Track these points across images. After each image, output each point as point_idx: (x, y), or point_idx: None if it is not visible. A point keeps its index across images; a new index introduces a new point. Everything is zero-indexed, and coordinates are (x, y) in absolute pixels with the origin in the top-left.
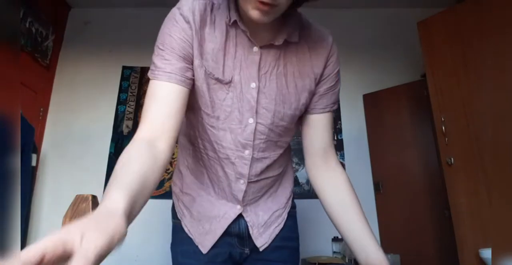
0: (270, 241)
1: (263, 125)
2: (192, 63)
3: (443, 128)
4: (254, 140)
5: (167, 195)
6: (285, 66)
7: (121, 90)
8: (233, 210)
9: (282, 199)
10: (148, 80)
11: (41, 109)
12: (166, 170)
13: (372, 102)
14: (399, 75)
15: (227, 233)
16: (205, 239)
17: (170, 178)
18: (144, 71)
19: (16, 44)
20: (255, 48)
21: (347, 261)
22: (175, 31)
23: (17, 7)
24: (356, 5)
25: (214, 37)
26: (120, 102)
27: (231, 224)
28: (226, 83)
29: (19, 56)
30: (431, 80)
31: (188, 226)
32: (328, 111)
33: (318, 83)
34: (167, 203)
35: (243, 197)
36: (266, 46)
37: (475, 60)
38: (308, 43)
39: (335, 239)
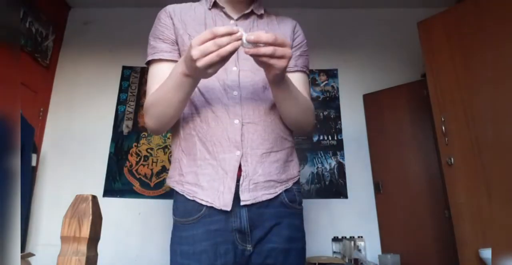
0: (253, 202)
1: (245, 70)
2: (174, 42)
3: (443, 128)
4: (239, 82)
5: (167, 195)
6: None
7: (121, 90)
8: (234, 158)
9: (283, 176)
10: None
11: (41, 109)
12: (166, 170)
13: (372, 102)
14: (399, 75)
15: (227, 229)
16: (224, 199)
17: None
18: (144, 71)
19: (16, 44)
20: (232, 21)
21: (347, 261)
22: (157, 23)
23: (17, 7)
24: (356, 5)
25: (195, 17)
26: (120, 102)
27: (231, 218)
28: None
29: (19, 56)
30: (431, 80)
31: (206, 199)
32: (302, 71)
33: (292, 47)
34: (167, 203)
35: (241, 140)
36: (240, 18)
37: (475, 60)
38: (277, 19)
39: (335, 239)
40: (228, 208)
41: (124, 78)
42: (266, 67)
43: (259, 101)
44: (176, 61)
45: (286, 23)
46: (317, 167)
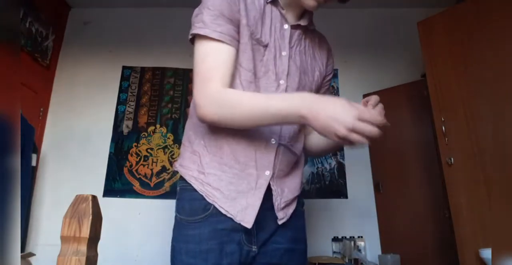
0: (287, 218)
1: (291, 88)
2: (237, 26)
3: (443, 128)
4: None
5: (167, 195)
6: (305, 47)
7: (121, 90)
8: (263, 177)
9: (298, 187)
10: (148, 80)
11: (41, 109)
12: (166, 170)
13: None
14: (399, 75)
15: (233, 229)
16: (245, 214)
17: (170, 178)
18: (144, 71)
19: (16, 44)
20: (286, 25)
21: (347, 261)
22: None
23: (17, 7)
24: (356, 5)
25: (254, 8)
26: (120, 102)
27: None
28: (264, 46)
29: (19, 56)
30: (431, 80)
31: (225, 207)
32: None
33: (324, 76)
34: (167, 203)
35: (274, 161)
36: (294, 26)
37: (475, 60)
38: (319, 36)
39: (335, 239)
40: (249, 226)
41: (124, 78)
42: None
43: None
44: (236, 51)
45: (324, 47)
46: (317, 167)
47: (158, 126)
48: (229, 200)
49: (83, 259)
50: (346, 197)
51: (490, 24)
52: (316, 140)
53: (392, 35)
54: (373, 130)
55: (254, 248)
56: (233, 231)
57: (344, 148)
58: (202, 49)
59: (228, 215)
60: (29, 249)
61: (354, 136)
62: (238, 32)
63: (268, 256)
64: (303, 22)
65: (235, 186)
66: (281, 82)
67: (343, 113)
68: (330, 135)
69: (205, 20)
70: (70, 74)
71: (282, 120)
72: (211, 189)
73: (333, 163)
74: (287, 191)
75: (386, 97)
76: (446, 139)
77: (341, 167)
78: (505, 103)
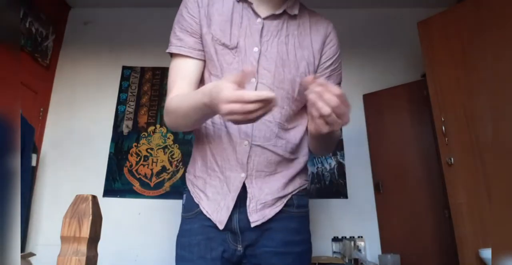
0: (263, 220)
1: (264, 85)
2: (200, 36)
3: (443, 128)
4: None
5: (167, 195)
6: (286, 36)
7: (121, 90)
8: (238, 179)
9: (290, 189)
10: (148, 80)
11: (41, 109)
12: (166, 170)
13: (372, 102)
14: (399, 75)
15: (219, 227)
16: (221, 215)
17: (170, 178)
18: (144, 71)
19: (16, 44)
20: (259, 19)
21: (347, 261)
22: (184, 11)
23: (17, 7)
24: (356, 4)
25: (222, 12)
26: (120, 102)
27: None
28: (232, 48)
29: (19, 56)
30: (431, 80)
31: (206, 208)
32: None
33: (320, 62)
34: (167, 203)
35: (247, 162)
36: (269, 17)
37: (475, 60)
38: (310, 21)
39: (335, 239)
40: (221, 227)
41: (124, 78)
42: (321, 125)
43: (273, 123)
44: (203, 60)
45: (319, 29)
46: (317, 167)
47: (158, 126)
48: (210, 202)
49: (83, 259)
50: (346, 197)
51: (490, 24)
52: (310, 138)
53: (392, 35)
54: (246, 108)
55: (240, 248)
56: (219, 229)
57: (344, 148)
58: (170, 65)
59: (208, 216)
60: (29, 249)
61: (236, 117)
62: (202, 42)
63: (257, 259)
64: (278, 11)
65: (216, 189)
66: (252, 80)
67: (221, 98)
68: (225, 119)
69: (171, 38)
70: (70, 74)
71: (203, 113)
72: (198, 191)
73: (333, 163)
74: (267, 191)
75: (386, 97)
76: (446, 139)
77: (341, 167)
78: (505, 103)
